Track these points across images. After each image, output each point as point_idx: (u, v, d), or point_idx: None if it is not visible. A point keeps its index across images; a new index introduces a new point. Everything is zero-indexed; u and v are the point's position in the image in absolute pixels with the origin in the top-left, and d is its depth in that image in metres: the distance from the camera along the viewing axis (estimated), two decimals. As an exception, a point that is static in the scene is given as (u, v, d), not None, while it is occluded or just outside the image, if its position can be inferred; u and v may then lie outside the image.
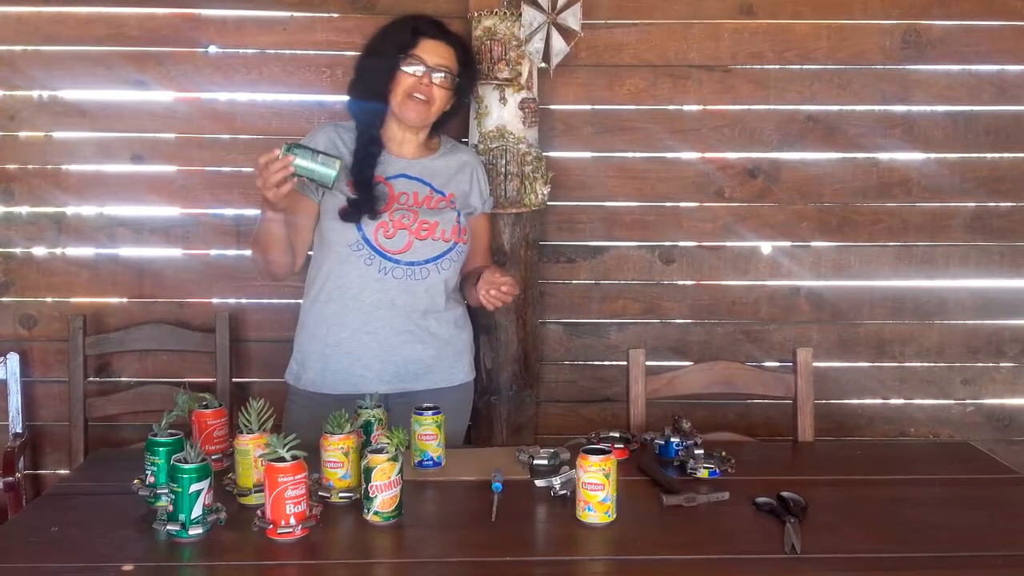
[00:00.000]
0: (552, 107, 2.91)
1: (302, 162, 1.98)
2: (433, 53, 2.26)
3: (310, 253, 2.37)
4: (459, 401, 2.39)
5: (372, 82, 2.29)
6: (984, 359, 3.07)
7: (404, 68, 2.24)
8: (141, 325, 2.89)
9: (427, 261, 2.26)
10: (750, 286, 3.03)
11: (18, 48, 2.85)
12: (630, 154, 2.97)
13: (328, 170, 2.00)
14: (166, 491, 1.64)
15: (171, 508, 1.63)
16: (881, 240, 3.02)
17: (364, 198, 2.23)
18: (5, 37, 2.84)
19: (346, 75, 2.48)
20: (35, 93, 2.87)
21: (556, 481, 1.82)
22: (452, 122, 2.52)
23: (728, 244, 3.02)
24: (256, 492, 1.76)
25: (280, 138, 2.79)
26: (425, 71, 2.24)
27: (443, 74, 2.26)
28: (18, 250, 2.93)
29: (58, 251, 2.93)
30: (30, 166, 2.90)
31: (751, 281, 3.03)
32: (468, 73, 2.37)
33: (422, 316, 2.28)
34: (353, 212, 2.22)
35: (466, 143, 2.75)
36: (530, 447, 2.02)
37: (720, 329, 3.04)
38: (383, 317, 2.25)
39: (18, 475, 2.69)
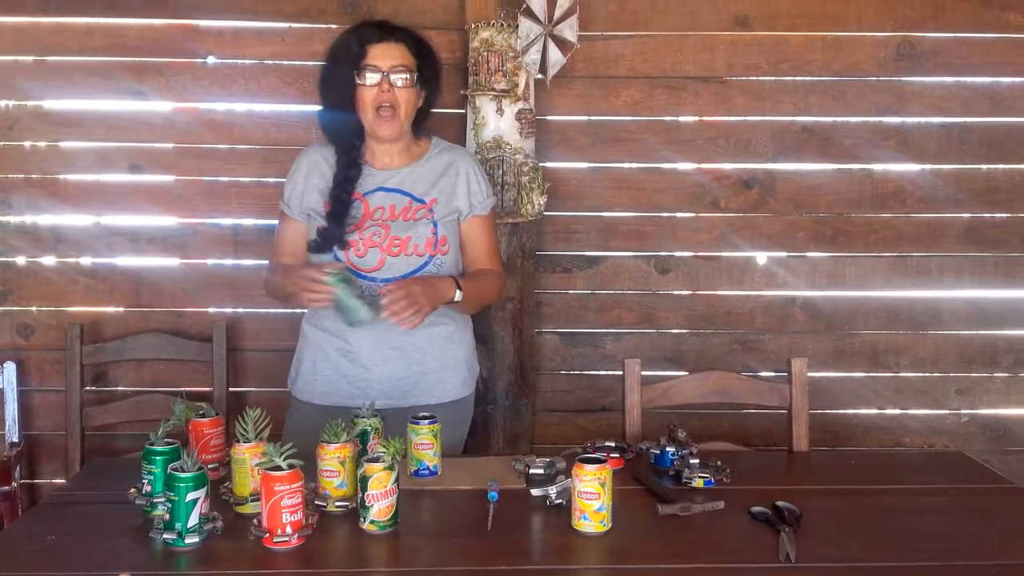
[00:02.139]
0: (549, 118, 2.92)
1: (342, 295, 2.05)
2: (384, 56, 2.19)
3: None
4: (450, 418, 2.25)
5: (337, 105, 2.25)
6: (979, 369, 3.08)
7: (361, 82, 2.18)
8: (138, 334, 2.90)
9: (403, 277, 2.19)
10: (745, 296, 3.04)
11: (18, 58, 2.86)
12: (626, 165, 2.99)
13: (358, 315, 2.06)
14: (163, 500, 1.64)
15: (167, 517, 1.62)
16: (876, 251, 3.03)
17: (334, 228, 2.20)
18: (5, 47, 2.86)
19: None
20: (34, 103, 2.88)
21: (552, 490, 1.82)
22: (439, 127, 2.48)
23: (723, 254, 3.03)
24: (252, 501, 1.76)
25: (278, 148, 2.84)
26: (382, 77, 2.17)
27: (401, 74, 2.19)
28: (16, 259, 2.93)
29: (56, 260, 2.94)
30: (29, 175, 2.91)
31: (746, 291, 3.04)
32: (427, 62, 2.28)
33: (406, 332, 2.19)
34: (323, 244, 2.21)
35: (462, 149, 2.74)
36: (526, 456, 2.02)
37: (715, 339, 3.05)
38: (365, 336, 2.22)
39: (14, 484, 2.69)
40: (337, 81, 2.24)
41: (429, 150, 2.33)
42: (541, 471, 1.93)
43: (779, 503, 1.82)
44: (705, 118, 2.98)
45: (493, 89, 2.72)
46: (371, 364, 2.25)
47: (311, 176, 2.28)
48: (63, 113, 2.89)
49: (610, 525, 1.70)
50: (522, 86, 2.75)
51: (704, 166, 3.00)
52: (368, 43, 2.20)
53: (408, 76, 2.20)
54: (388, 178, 2.28)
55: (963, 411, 3.09)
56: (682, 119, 2.98)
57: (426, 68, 2.27)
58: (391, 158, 2.30)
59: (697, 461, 1.99)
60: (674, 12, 2.92)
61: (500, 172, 2.74)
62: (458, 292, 2.19)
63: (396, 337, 2.22)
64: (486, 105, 2.74)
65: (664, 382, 2.45)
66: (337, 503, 1.78)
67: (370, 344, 2.23)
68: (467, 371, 2.38)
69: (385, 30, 2.23)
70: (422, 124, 2.34)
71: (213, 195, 2.93)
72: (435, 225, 2.25)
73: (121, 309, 2.97)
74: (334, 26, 2.86)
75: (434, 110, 2.37)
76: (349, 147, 2.26)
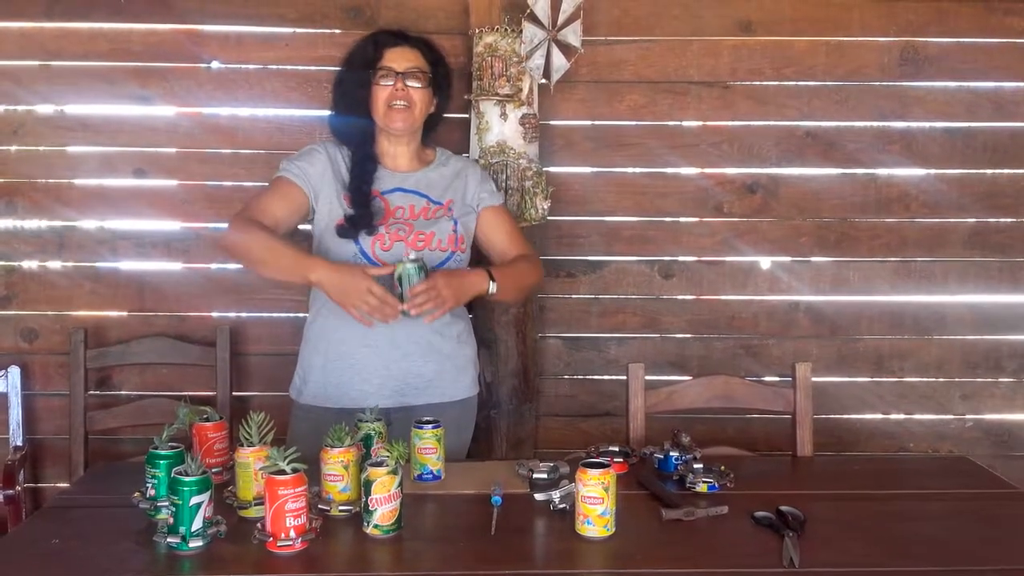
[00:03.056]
0: (552, 123, 2.93)
1: (411, 279, 2.08)
2: (400, 59, 2.28)
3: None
4: (461, 416, 2.37)
5: (352, 107, 2.32)
6: (983, 374, 3.07)
7: (377, 83, 2.27)
8: (142, 338, 2.90)
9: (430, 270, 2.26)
10: (749, 301, 3.04)
11: (22, 63, 2.87)
12: (630, 169, 2.99)
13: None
14: (167, 504, 1.65)
15: (171, 521, 1.63)
16: (880, 255, 3.03)
17: (361, 214, 2.24)
18: (9, 52, 2.86)
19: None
20: (39, 108, 2.89)
21: (555, 495, 1.83)
22: (443, 131, 2.52)
23: (727, 259, 3.03)
24: (256, 505, 1.76)
25: (282, 153, 2.79)
26: (397, 77, 2.26)
27: (416, 76, 2.28)
28: (20, 263, 2.94)
29: (60, 264, 2.94)
30: (33, 180, 2.91)
31: (750, 296, 3.04)
32: (440, 69, 2.38)
33: (424, 329, 2.27)
34: (351, 229, 2.24)
35: (466, 157, 2.76)
36: (530, 461, 2.02)
37: (719, 344, 3.05)
38: (383, 331, 2.24)
39: (18, 488, 2.69)
40: (352, 84, 2.33)
41: (437, 158, 2.43)
42: (545, 476, 1.93)
43: (783, 508, 1.82)
44: (709, 123, 2.98)
45: (497, 94, 2.73)
46: (389, 361, 2.27)
47: (329, 168, 2.31)
48: (67, 118, 2.89)
49: (614, 530, 1.70)
50: (526, 91, 2.75)
51: (708, 171, 3.00)
52: (384, 47, 2.30)
53: (422, 78, 2.29)
54: (404, 179, 2.34)
55: (967, 416, 3.09)
56: (686, 124, 2.98)
57: (439, 75, 2.36)
58: (403, 161, 2.37)
59: (701, 466, 1.99)
60: (678, 17, 2.92)
61: (504, 177, 2.74)
62: (492, 284, 2.21)
63: (414, 334, 2.26)
64: (490, 110, 2.74)
65: (668, 387, 2.45)
66: (340, 507, 1.78)
67: (388, 341, 2.24)
68: (474, 370, 2.44)
69: (400, 36, 2.34)
70: (431, 133, 2.43)
71: (217, 199, 2.93)
72: (455, 223, 2.32)
73: (125, 313, 2.97)
74: (337, 31, 2.87)
75: (447, 115, 2.47)
76: (362, 145, 2.33)
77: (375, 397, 2.21)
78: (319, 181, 2.29)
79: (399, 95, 2.26)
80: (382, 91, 2.27)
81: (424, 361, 2.29)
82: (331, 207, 2.27)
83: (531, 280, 2.44)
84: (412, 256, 2.10)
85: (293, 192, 2.28)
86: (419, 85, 2.28)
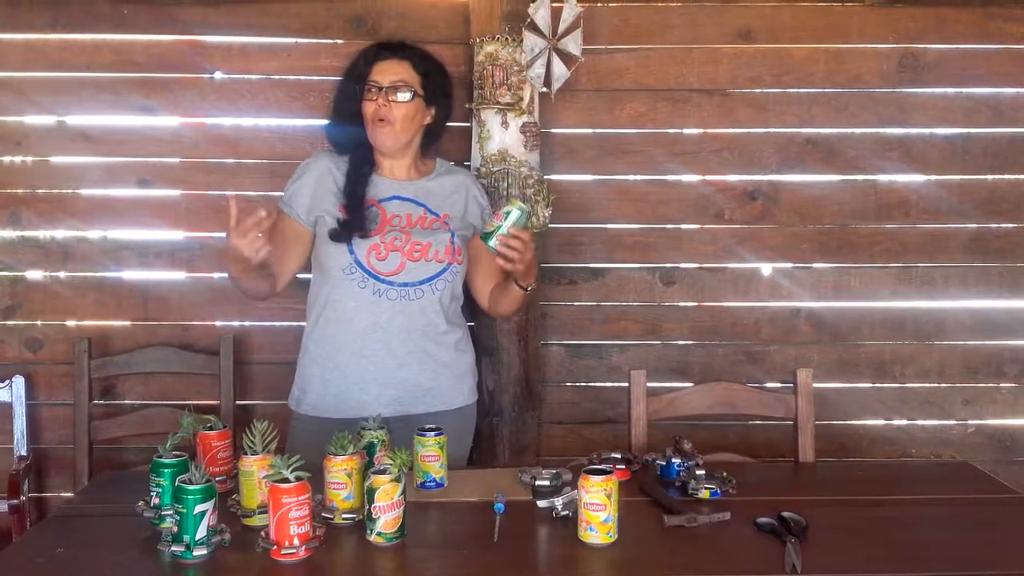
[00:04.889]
0: (553, 131, 2.94)
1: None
2: (387, 72, 2.28)
3: (307, 276, 2.40)
4: (460, 424, 2.37)
5: (348, 120, 2.33)
6: (984, 379, 3.07)
7: (364, 98, 2.28)
8: (145, 348, 2.91)
9: (421, 282, 2.26)
10: (751, 307, 3.04)
11: (26, 74, 2.89)
12: (631, 177, 3.00)
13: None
14: (171, 512, 1.66)
15: (175, 529, 1.63)
16: (881, 261, 3.04)
17: (354, 217, 2.24)
18: (13, 63, 2.88)
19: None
20: (43, 119, 2.90)
21: (558, 502, 1.83)
22: (445, 140, 2.51)
23: (728, 266, 3.03)
24: (260, 513, 1.77)
25: (284, 162, 2.84)
26: (380, 92, 2.26)
27: (400, 89, 2.26)
28: (24, 273, 2.95)
29: (64, 275, 2.95)
30: (37, 190, 2.92)
31: (752, 302, 3.04)
32: (432, 80, 2.35)
33: (420, 338, 2.28)
34: (343, 233, 2.24)
35: (468, 166, 2.78)
36: (532, 468, 2.03)
37: (721, 350, 3.05)
38: (380, 340, 2.26)
39: (23, 498, 2.70)
40: (345, 97, 2.34)
41: (436, 168, 2.42)
42: (547, 483, 1.93)
43: (785, 514, 1.82)
44: (709, 130, 2.99)
45: (498, 102, 2.74)
46: (387, 370, 2.27)
47: (324, 179, 2.31)
48: (71, 128, 2.91)
49: (616, 536, 1.70)
50: (527, 99, 2.77)
51: (708, 178, 3.00)
52: (373, 61, 2.31)
53: (407, 91, 2.27)
54: (402, 188, 2.34)
55: (969, 421, 3.09)
56: (686, 131, 2.99)
57: (432, 85, 2.33)
58: (400, 172, 2.37)
59: (703, 472, 2.00)
60: (677, 25, 2.93)
61: (505, 185, 2.75)
62: (533, 283, 2.25)
63: (411, 343, 2.27)
64: (491, 118, 2.75)
65: (670, 393, 2.45)
66: (344, 515, 1.79)
67: (385, 350, 2.25)
68: (472, 378, 2.44)
69: (391, 48, 2.34)
70: (434, 144, 2.43)
71: (220, 209, 2.93)
72: (452, 235, 2.32)
73: (129, 323, 2.97)
74: (340, 41, 2.89)
75: (448, 124, 2.45)
76: (360, 153, 2.33)
77: (373, 406, 2.21)
78: (312, 209, 2.29)
79: (381, 110, 2.26)
80: (368, 106, 2.28)
81: (421, 369, 2.29)
82: (329, 220, 2.28)
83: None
84: (526, 207, 2.09)
85: (288, 224, 2.30)
86: (404, 98, 2.26)
